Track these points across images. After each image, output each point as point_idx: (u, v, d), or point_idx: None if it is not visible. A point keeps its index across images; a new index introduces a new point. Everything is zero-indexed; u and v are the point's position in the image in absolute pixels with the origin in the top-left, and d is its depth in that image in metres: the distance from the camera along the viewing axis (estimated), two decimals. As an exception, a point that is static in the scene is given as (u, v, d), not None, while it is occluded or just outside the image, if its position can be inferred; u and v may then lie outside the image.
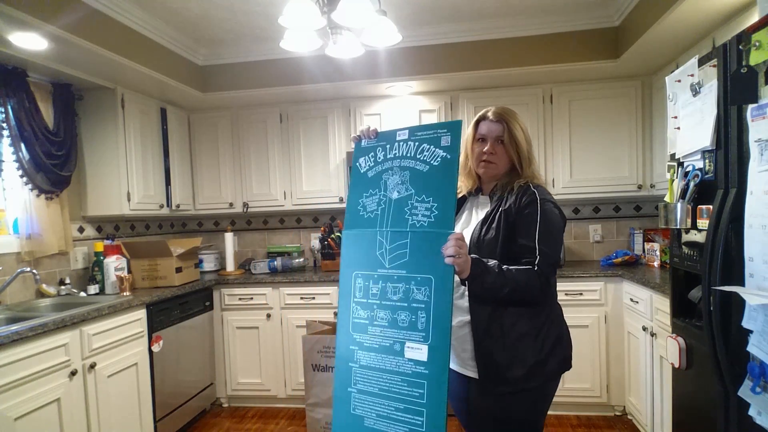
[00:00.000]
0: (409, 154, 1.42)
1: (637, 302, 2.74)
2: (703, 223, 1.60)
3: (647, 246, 3.32)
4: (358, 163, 1.53)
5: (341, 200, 3.61)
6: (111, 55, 2.56)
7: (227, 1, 2.70)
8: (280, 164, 3.72)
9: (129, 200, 3.10)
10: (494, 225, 1.47)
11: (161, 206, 3.43)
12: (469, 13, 2.97)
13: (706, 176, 1.60)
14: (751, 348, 1.29)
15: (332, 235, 3.62)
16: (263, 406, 3.51)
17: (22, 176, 2.64)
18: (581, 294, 3.06)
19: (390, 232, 1.40)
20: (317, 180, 3.68)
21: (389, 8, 2.74)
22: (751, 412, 1.32)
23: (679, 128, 1.79)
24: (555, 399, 1.55)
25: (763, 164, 1.27)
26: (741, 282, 1.36)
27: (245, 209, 3.79)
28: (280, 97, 3.57)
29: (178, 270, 3.16)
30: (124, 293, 2.87)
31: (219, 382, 3.50)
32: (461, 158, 1.52)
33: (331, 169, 3.65)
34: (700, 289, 1.59)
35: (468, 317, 1.47)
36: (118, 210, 3.07)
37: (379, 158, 1.48)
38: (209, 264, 3.90)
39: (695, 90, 1.65)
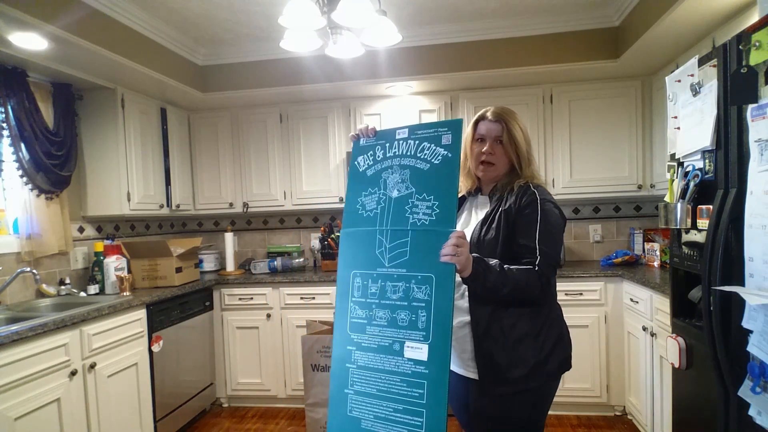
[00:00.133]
0: (409, 153, 1.41)
1: (637, 302, 2.74)
2: (703, 223, 1.60)
3: (647, 246, 3.32)
4: (356, 162, 1.52)
5: (341, 200, 3.61)
6: (111, 55, 2.56)
7: (227, 1, 2.70)
8: (280, 164, 3.72)
9: (129, 200, 3.10)
10: (494, 225, 1.47)
11: (161, 206, 3.43)
12: (469, 13, 2.97)
13: (706, 176, 1.60)
14: (751, 348, 1.29)
15: (332, 235, 3.62)
16: (263, 406, 3.51)
17: (22, 176, 2.64)
18: (581, 294, 3.06)
19: (390, 231, 1.38)
20: (317, 180, 3.68)
21: (389, 8, 2.74)
22: (751, 412, 1.32)
23: (679, 128, 1.79)
24: (555, 399, 1.55)
25: (763, 164, 1.27)
26: (741, 282, 1.36)
27: (245, 209, 3.79)
28: (280, 97, 3.57)
29: (178, 270, 3.17)
30: (124, 293, 2.87)
31: (219, 382, 3.50)
32: (461, 158, 1.51)
33: (331, 169, 3.65)
34: (700, 289, 1.59)
35: (468, 318, 1.47)
36: (118, 210, 3.07)
37: (378, 157, 1.47)
38: (209, 264, 3.90)
39: (695, 90, 1.65)
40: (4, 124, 2.55)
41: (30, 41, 2.29)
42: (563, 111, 3.38)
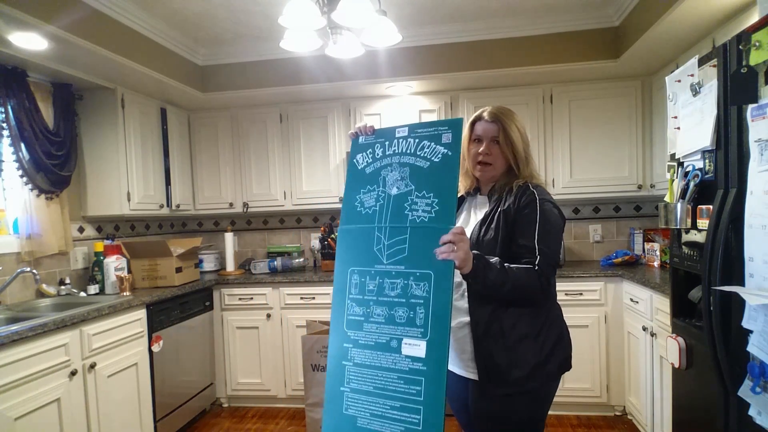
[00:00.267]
0: (408, 151, 1.41)
1: (637, 302, 2.74)
2: (703, 223, 1.60)
3: (647, 246, 3.32)
4: (355, 160, 1.52)
5: (341, 200, 3.57)
6: (111, 55, 2.56)
7: (227, 1, 2.70)
8: (280, 164, 3.72)
9: (129, 200, 3.10)
10: (493, 225, 1.47)
11: (161, 206, 3.43)
12: (469, 13, 2.97)
13: (706, 176, 1.60)
14: (751, 348, 1.29)
15: (332, 235, 3.62)
16: (263, 406, 3.51)
17: (22, 176, 2.64)
18: (581, 294, 3.06)
19: (388, 228, 1.38)
20: (317, 180, 3.68)
21: (389, 8, 2.74)
22: (751, 412, 1.32)
23: (679, 128, 1.79)
24: (555, 399, 1.55)
25: (763, 164, 1.27)
26: (741, 282, 1.36)
27: (245, 209, 3.79)
28: (280, 97, 3.57)
29: (178, 270, 3.16)
30: (124, 293, 2.87)
31: (219, 382, 3.50)
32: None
33: (331, 169, 3.65)
34: (700, 289, 1.59)
35: (467, 318, 1.47)
36: (118, 210, 3.07)
37: (378, 155, 1.47)
38: (209, 264, 3.90)
39: (695, 90, 1.65)
40: (4, 124, 2.55)
41: (30, 41, 2.29)
42: (563, 111, 3.38)
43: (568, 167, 3.39)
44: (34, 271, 2.59)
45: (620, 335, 3.02)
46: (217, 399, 3.55)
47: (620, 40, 2.97)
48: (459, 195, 1.63)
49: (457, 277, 1.36)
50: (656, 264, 3.19)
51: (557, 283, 1.61)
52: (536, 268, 1.39)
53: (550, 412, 1.61)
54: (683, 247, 1.78)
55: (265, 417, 3.35)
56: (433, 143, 1.38)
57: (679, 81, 1.77)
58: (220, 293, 3.48)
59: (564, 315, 1.58)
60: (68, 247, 2.94)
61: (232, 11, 2.82)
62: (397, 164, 1.42)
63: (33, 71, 2.69)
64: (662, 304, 2.36)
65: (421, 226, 1.33)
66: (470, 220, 1.59)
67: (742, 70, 1.33)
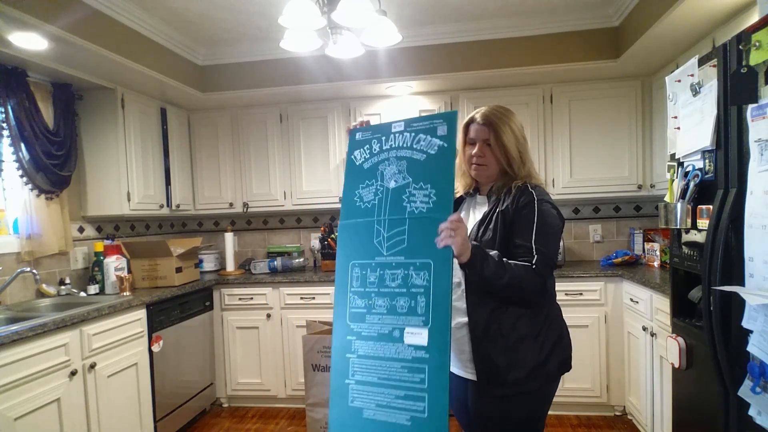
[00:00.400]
0: (405, 145, 1.43)
1: (637, 302, 2.74)
2: (703, 223, 1.60)
3: (647, 246, 3.32)
4: (353, 156, 1.54)
5: (341, 200, 3.60)
6: (111, 55, 2.56)
7: (227, 1, 2.70)
8: (280, 164, 3.72)
9: (129, 200, 3.10)
10: (491, 226, 1.47)
11: (161, 206, 3.43)
12: (469, 13, 2.97)
13: (706, 176, 1.60)
14: (751, 348, 1.29)
15: (332, 235, 3.62)
16: (263, 406, 3.51)
17: (22, 176, 2.64)
18: (581, 294, 3.06)
19: (387, 220, 1.40)
20: (317, 180, 3.68)
21: (389, 8, 2.74)
22: (751, 412, 1.32)
23: (679, 128, 1.79)
24: (555, 399, 1.55)
25: (763, 164, 1.27)
26: (741, 282, 1.36)
27: (245, 209, 3.79)
28: (280, 97, 3.57)
29: (178, 270, 3.16)
30: (124, 293, 2.87)
31: (219, 382, 3.50)
32: (456, 160, 1.52)
33: (331, 169, 3.65)
34: (700, 289, 1.59)
35: (466, 319, 1.47)
36: (118, 210, 3.07)
37: (375, 150, 1.49)
38: (209, 264, 3.90)
39: (695, 90, 1.65)
40: (4, 124, 2.55)
41: (30, 41, 2.29)
42: (563, 111, 3.38)
43: (568, 167, 3.39)
44: (34, 271, 2.59)
45: (620, 335, 3.02)
46: (217, 399, 3.55)
47: (620, 40, 2.97)
48: (458, 195, 1.64)
49: (456, 278, 1.36)
50: (656, 264, 3.19)
51: (557, 283, 1.60)
52: (533, 267, 1.39)
53: (550, 412, 1.61)
54: (683, 247, 1.78)
55: (265, 417, 3.35)
56: (428, 136, 1.39)
57: (679, 81, 1.77)
58: (220, 293, 3.48)
59: (564, 315, 1.58)
60: (68, 247, 2.94)
61: (232, 11, 2.82)
62: (395, 158, 1.44)
63: (33, 71, 2.69)
64: (662, 304, 2.36)
65: (420, 217, 1.35)
66: (469, 220, 1.59)
67: (742, 70, 1.33)
